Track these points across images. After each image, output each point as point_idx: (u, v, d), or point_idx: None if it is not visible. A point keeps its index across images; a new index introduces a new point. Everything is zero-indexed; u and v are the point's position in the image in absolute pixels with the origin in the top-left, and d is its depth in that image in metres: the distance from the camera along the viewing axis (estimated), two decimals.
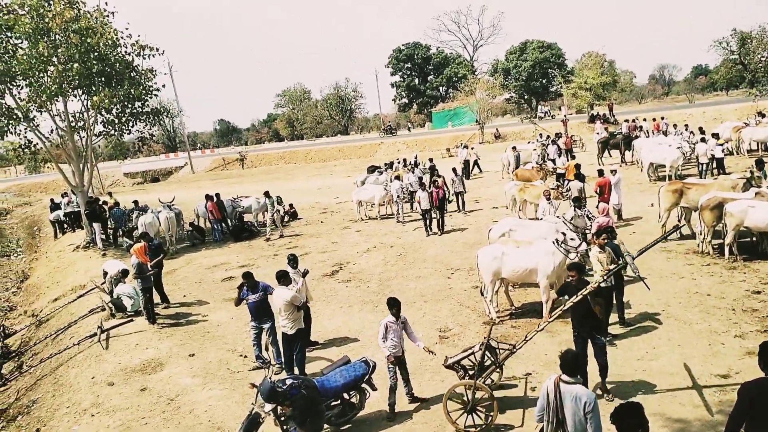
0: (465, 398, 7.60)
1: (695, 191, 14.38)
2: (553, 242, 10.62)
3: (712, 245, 13.45)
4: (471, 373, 7.87)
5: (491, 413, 7.50)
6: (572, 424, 5.05)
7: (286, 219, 23.91)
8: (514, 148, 28.07)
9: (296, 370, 9.38)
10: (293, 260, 10.66)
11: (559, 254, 10.49)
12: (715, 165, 21.40)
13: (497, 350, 8.05)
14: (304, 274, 10.41)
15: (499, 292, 11.79)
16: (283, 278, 9.53)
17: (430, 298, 12.78)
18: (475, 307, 11.91)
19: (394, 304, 8.19)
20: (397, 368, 8.22)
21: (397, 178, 22.44)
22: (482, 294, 11.34)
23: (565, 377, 5.18)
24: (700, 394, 7.78)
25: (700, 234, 13.68)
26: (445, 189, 19.07)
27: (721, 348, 9.04)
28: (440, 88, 79.48)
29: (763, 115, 29.53)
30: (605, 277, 8.38)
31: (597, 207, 14.97)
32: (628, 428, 4.19)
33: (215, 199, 21.81)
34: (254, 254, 18.82)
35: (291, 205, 24.97)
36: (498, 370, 8.24)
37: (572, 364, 5.21)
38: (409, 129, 73.16)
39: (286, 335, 9.41)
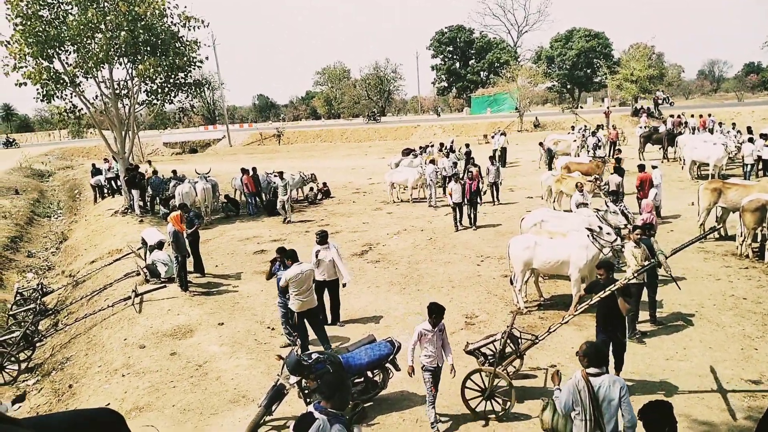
0: (484, 385, 7.60)
1: (735, 192, 13.98)
2: (588, 235, 10.47)
3: (752, 248, 13.07)
4: (491, 360, 7.86)
5: (509, 400, 7.50)
6: (609, 415, 5.02)
7: (318, 197, 24.10)
8: (541, 144, 27.65)
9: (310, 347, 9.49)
10: (321, 236, 10.72)
11: (593, 248, 10.32)
12: (761, 166, 20.70)
13: (519, 339, 8.01)
14: (318, 263, 10.45)
15: (529, 283, 11.69)
16: (293, 256, 9.63)
17: (458, 284, 12.75)
18: (503, 296, 11.85)
19: (436, 311, 7.10)
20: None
21: (432, 162, 22.35)
22: (512, 283, 11.28)
23: (591, 370, 5.13)
24: (728, 399, 7.63)
25: (740, 236, 13.30)
26: (480, 180, 18.70)
27: (754, 353, 8.82)
28: (481, 73, 78.36)
29: None
30: (636, 274, 8.22)
31: (639, 203, 14.69)
32: (656, 425, 4.14)
33: (251, 172, 22.08)
34: (287, 229, 19.03)
35: (324, 184, 25.14)
36: (519, 359, 8.21)
37: (595, 356, 5.16)
38: (438, 113, 72.36)
39: (310, 311, 9.51)
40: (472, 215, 17.55)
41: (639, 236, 9.51)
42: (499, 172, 20.70)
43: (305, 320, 9.48)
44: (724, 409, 7.42)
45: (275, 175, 22.98)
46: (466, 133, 48.33)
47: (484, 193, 19.98)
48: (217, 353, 10.06)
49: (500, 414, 7.51)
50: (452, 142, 30.48)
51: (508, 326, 7.89)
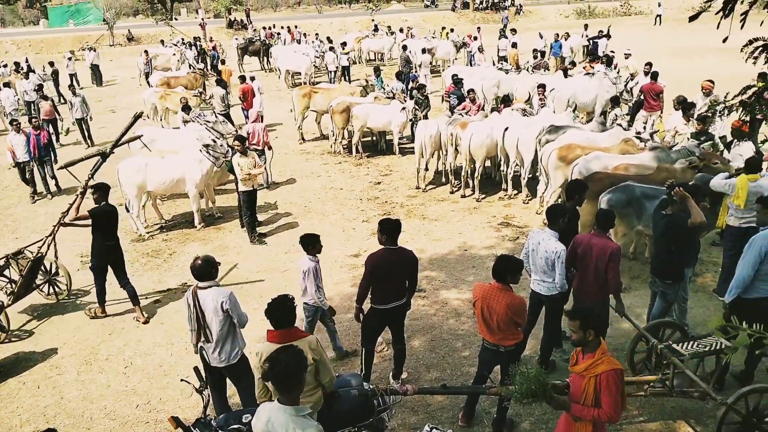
0: None
1: (321, 96, 15.80)
2: (201, 149, 10.48)
3: (343, 145, 15.10)
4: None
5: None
6: (216, 325, 5.15)
7: None
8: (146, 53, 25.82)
9: None
10: None
11: (207, 161, 10.44)
12: (341, 73, 23.65)
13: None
14: None
15: (147, 206, 11.16)
16: None
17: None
18: (120, 226, 11.04)
19: (317, 241, 6.36)
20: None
21: (6, 85, 18.61)
22: (127, 210, 10.58)
23: (201, 284, 5.22)
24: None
25: (332, 135, 15.17)
26: (57, 119, 15.76)
27: (353, 233, 10.43)
28: None
29: (377, 29, 33.61)
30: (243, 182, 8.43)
31: (245, 114, 15.20)
32: (281, 319, 4.49)
33: None
34: None
35: None
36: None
37: (204, 270, 5.21)
38: None
39: None
40: (48, 177, 12.79)
41: (240, 146, 9.86)
42: (86, 105, 16.29)
43: None
44: (336, 282, 8.64)
45: None
46: (48, 50, 41.73)
47: (66, 133, 16.61)
48: None
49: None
50: (27, 61, 25.82)
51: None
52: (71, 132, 17.15)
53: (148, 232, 10.64)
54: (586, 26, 27.03)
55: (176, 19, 56.88)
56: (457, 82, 14.94)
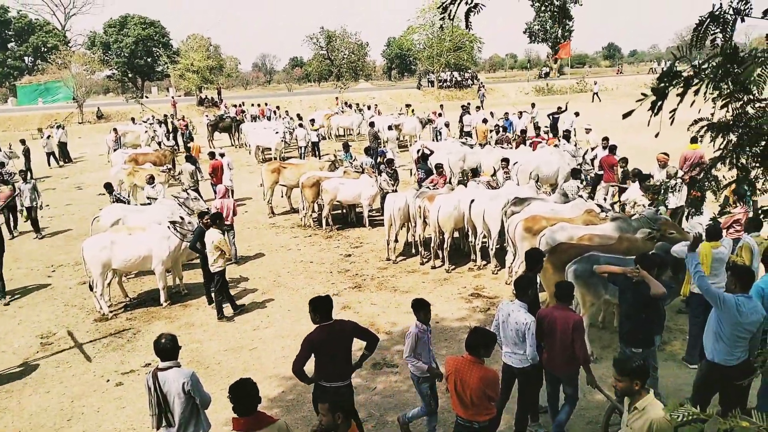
0: None
1: (290, 171, 16.02)
2: (168, 226, 10.40)
3: (313, 218, 15.16)
4: None
5: None
6: (178, 408, 4.97)
7: None
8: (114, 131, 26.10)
9: None
10: None
11: (175, 238, 10.35)
12: (311, 148, 24.08)
13: None
14: None
15: (112, 284, 10.90)
16: None
17: (26, 303, 11.03)
18: (83, 305, 10.78)
19: (424, 307, 6.09)
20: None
21: None
22: (91, 289, 10.33)
23: (162, 365, 5.06)
24: None
25: (302, 209, 15.26)
26: (16, 210, 14.95)
27: None
28: (25, 58, 68.30)
29: (350, 105, 34.63)
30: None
31: (214, 189, 15.22)
32: (241, 402, 4.32)
33: None
34: None
35: None
36: None
37: (169, 349, 5.07)
38: None
39: None
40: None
41: (207, 222, 9.84)
42: (36, 191, 15.13)
43: None
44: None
45: None
46: (16, 128, 41.63)
47: (26, 220, 15.03)
48: None
49: None
50: None
51: None
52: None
53: (111, 311, 10.34)
54: (533, 105, 27.90)
55: (147, 97, 57.76)
56: (424, 156, 15.31)
